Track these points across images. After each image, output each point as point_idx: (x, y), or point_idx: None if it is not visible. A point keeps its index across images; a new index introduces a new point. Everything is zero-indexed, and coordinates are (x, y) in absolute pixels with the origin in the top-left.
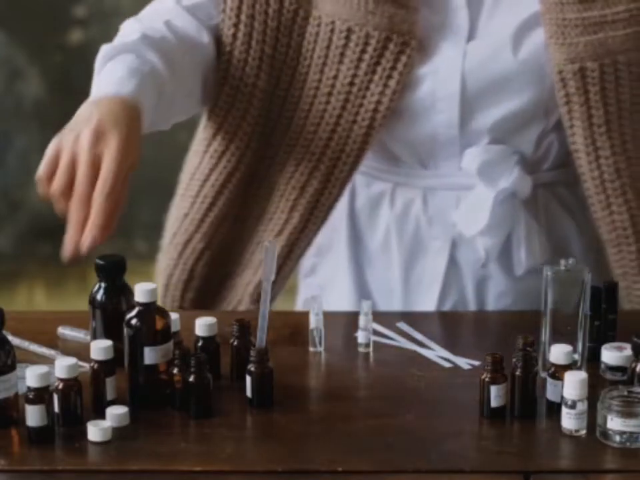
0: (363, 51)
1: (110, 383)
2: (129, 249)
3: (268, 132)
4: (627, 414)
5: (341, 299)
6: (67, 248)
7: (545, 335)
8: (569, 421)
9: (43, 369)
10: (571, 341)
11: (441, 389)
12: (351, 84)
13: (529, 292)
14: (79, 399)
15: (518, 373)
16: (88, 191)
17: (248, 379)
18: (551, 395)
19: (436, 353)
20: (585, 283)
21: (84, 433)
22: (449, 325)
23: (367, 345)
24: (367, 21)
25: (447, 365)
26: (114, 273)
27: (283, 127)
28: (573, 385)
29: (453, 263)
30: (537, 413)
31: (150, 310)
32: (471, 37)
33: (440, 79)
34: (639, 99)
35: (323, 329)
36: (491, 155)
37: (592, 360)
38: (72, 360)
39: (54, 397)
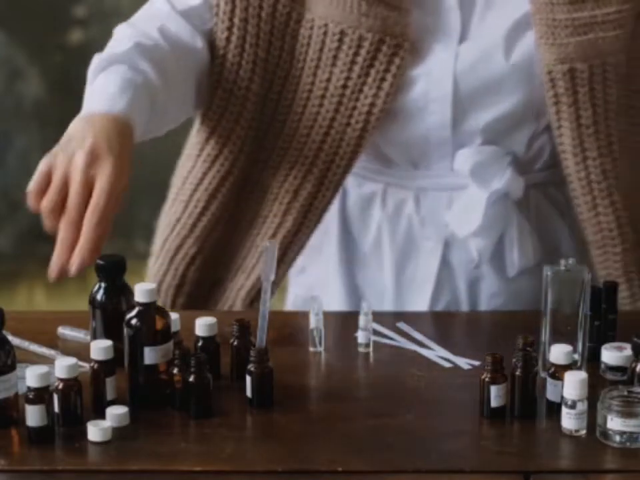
0: (356, 54)
1: (110, 383)
2: (128, 249)
3: (261, 135)
4: (627, 414)
5: (332, 299)
6: (54, 268)
7: (545, 335)
8: (568, 421)
9: (42, 368)
10: (571, 340)
11: (440, 389)
12: (344, 86)
13: (520, 292)
14: (79, 399)
15: (518, 373)
16: (80, 210)
17: (248, 379)
18: (551, 395)
19: (436, 353)
20: (584, 282)
21: (84, 433)
22: (442, 325)
23: (367, 345)
24: (359, 23)
25: (447, 364)
26: (114, 273)
27: (276, 130)
28: (572, 385)
29: (445, 263)
30: (537, 412)
31: (150, 310)
32: (463, 38)
33: (433, 80)
34: (626, 100)
35: (323, 329)
36: (483, 156)
37: (592, 360)
38: (72, 360)
39: (54, 397)
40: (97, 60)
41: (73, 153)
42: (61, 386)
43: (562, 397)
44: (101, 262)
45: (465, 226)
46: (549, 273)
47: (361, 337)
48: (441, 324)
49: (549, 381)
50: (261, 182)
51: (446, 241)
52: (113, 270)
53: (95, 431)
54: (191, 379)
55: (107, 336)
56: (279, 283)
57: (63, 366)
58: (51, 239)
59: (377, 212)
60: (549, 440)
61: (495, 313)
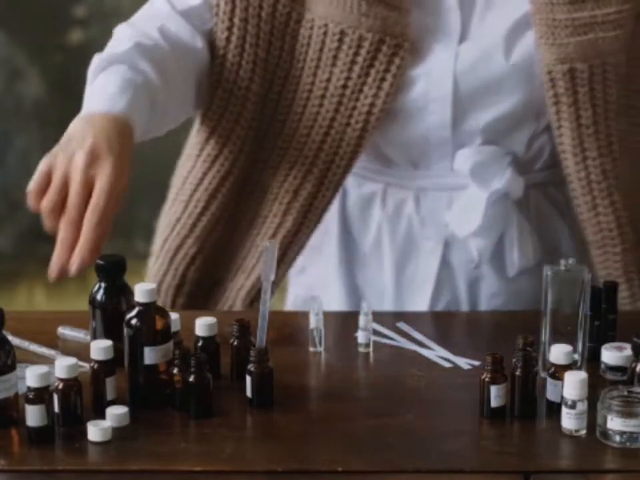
0: (356, 54)
1: (110, 383)
2: (128, 249)
3: (261, 135)
4: (627, 414)
5: (332, 299)
6: (54, 268)
7: (545, 334)
8: (568, 421)
9: (42, 368)
10: (571, 340)
11: (440, 389)
12: (344, 86)
13: (520, 292)
14: (79, 399)
15: (518, 373)
16: (80, 210)
17: (248, 378)
18: (551, 395)
19: (436, 353)
20: (585, 282)
21: (84, 433)
22: (442, 325)
23: (367, 345)
24: (359, 23)
25: (447, 364)
26: (114, 273)
27: (276, 130)
28: (572, 385)
29: (445, 263)
30: (537, 412)
31: (150, 310)
32: (463, 38)
33: (432, 80)
34: (626, 100)
35: (323, 329)
36: (483, 156)
37: (592, 360)
38: (72, 360)
39: (54, 397)
40: (96, 60)
41: (72, 153)
42: (60, 386)
43: (562, 397)
44: (101, 262)
45: (465, 226)
46: (548, 272)
47: (360, 336)
48: (441, 324)
49: (549, 380)
50: (261, 182)
51: (446, 241)
52: (113, 270)
53: (95, 431)
54: (191, 379)
55: (107, 336)
56: (279, 282)
57: (62, 366)
58: (51, 239)
59: (377, 212)
60: (549, 440)
61: (494, 313)
